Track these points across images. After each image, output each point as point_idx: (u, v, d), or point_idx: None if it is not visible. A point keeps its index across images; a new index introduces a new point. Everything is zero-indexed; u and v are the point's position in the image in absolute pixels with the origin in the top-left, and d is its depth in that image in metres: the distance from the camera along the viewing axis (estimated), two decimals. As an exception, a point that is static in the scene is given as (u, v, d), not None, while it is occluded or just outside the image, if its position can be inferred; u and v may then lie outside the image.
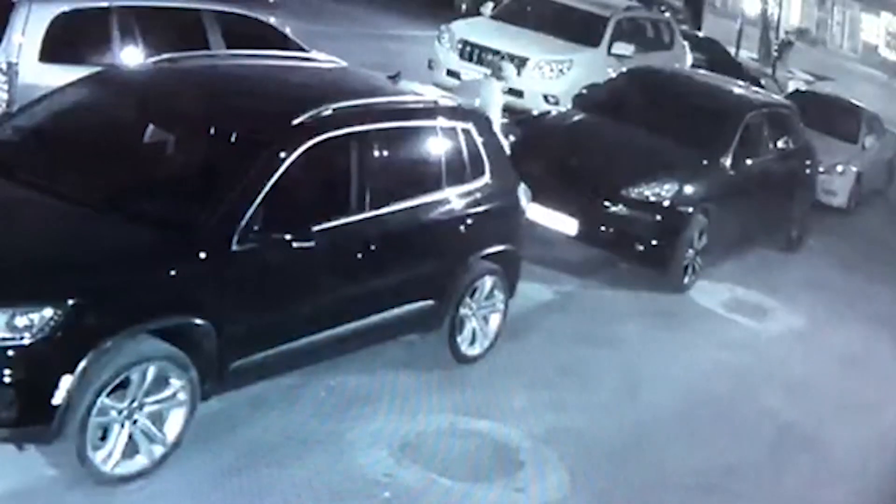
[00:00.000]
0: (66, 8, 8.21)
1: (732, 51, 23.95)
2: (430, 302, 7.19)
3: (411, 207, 6.92)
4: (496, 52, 14.54)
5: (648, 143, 10.78)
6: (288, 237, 5.85)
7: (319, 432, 6.43)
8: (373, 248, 6.49)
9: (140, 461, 5.54)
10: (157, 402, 5.54)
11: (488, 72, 11.23)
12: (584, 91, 12.62)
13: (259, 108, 6.51)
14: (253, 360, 5.98)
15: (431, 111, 7.39)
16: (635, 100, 11.84)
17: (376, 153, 6.66)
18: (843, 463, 7.79)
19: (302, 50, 9.35)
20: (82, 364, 5.10)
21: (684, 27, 21.22)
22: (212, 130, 6.39)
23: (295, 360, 6.39)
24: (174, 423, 5.63)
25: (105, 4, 8.42)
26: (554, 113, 12.81)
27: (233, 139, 6.23)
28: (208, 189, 5.93)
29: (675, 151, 10.67)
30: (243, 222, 5.72)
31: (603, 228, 10.02)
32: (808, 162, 13.03)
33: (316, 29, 15.79)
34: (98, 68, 7.38)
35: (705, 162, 10.72)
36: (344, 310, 6.52)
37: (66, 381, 5.08)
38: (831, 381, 9.15)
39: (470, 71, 14.45)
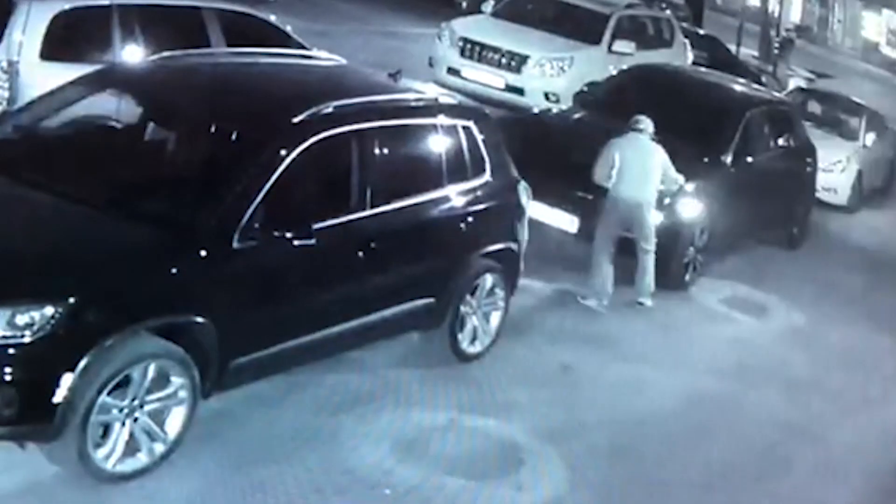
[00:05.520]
0: (66, 6, 8.21)
1: (733, 48, 23.90)
2: (431, 300, 7.19)
3: (412, 205, 6.92)
4: (497, 50, 14.55)
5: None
6: (289, 235, 5.85)
7: (320, 429, 6.43)
8: (373, 245, 6.49)
9: (141, 459, 5.54)
10: (158, 399, 5.54)
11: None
12: (585, 88, 12.62)
13: (260, 106, 6.51)
14: (254, 357, 5.98)
15: (432, 109, 7.38)
16: (636, 97, 11.78)
17: (377, 151, 6.65)
18: (844, 461, 7.80)
19: (302, 48, 9.34)
20: (83, 362, 5.10)
21: (685, 25, 21.18)
22: (212, 128, 6.40)
23: (296, 358, 6.40)
24: (175, 420, 5.63)
25: (106, 2, 8.42)
26: (555, 110, 12.80)
27: (233, 137, 6.24)
28: (209, 187, 5.94)
29: (676, 148, 10.65)
30: (244, 220, 5.72)
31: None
32: (808, 159, 13.03)
33: (316, 27, 15.80)
34: (99, 66, 7.38)
35: (706, 159, 10.71)
36: (345, 307, 6.51)
37: (67, 380, 5.08)
38: (832, 379, 9.16)
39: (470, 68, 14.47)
